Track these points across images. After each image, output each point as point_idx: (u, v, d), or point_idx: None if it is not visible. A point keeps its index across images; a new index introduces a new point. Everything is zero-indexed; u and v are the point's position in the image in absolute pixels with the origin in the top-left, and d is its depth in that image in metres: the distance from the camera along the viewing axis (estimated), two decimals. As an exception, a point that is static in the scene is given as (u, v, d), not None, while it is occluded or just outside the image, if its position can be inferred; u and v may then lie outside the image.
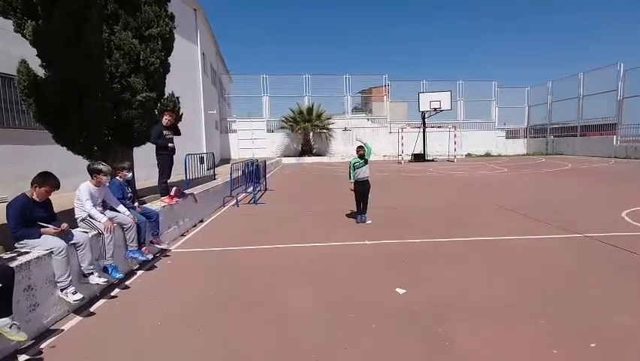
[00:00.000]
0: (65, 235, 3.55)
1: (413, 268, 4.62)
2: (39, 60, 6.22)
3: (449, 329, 3.07)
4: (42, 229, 3.45)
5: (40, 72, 6.36)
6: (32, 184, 3.50)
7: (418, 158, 26.58)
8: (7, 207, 3.43)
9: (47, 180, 3.52)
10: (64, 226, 3.60)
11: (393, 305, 3.56)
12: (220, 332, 3.13)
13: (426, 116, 27.66)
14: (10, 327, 2.67)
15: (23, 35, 6.00)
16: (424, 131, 27.43)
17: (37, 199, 3.52)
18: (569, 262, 4.72)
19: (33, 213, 3.48)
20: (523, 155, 31.33)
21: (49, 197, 3.66)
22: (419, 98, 27.95)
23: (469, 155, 31.47)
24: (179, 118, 9.12)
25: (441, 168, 20.62)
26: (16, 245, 3.42)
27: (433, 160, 26.76)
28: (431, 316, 3.32)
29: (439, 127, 30.11)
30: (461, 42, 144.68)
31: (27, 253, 3.29)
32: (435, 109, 26.88)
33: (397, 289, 3.89)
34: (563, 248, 5.29)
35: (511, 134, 34.73)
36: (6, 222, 3.44)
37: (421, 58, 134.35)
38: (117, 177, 5.05)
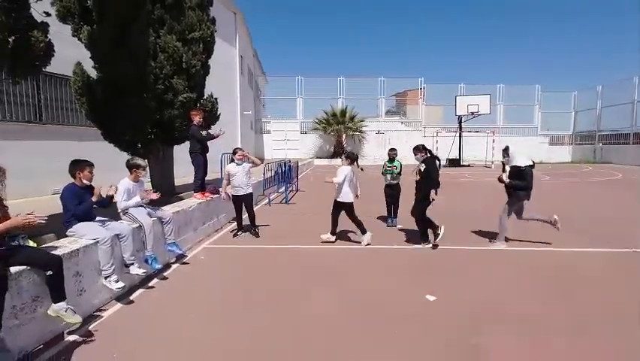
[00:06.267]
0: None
1: (445, 274, 4.51)
2: (92, 62, 6.67)
3: (481, 339, 2.98)
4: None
5: (93, 73, 6.82)
6: (74, 174, 3.83)
7: (453, 163, 25.86)
8: (62, 192, 3.78)
9: (82, 164, 3.87)
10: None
11: (423, 312, 3.50)
12: (247, 328, 3.22)
13: (463, 120, 26.85)
14: (66, 311, 2.90)
15: (79, 39, 6.47)
16: (460, 136, 26.65)
17: (88, 183, 3.87)
18: (615, 276, 4.43)
19: (83, 198, 3.80)
20: (568, 163, 29.68)
21: (92, 183, 3.99)
22: (456, 101, 27.18)
23: (507, 161, 30.22)
24: (216, 118, 9.45)
25: (477, 173, 19.94)
26: (67, 233, 3.70)
27: (468, 165, 25.95)
28: (462, 325, 3.23)
29: (476, 132, 29.17)
30: (503, 44, 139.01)
31: (76, 241, 3.55)
32: (472, 113, 26.03)
33: (427, 296, 3.82)
34: (609, 262, 4.97)
35: (555, 141, 33.06)
36: (59, 212, 3.73)
37: (459, 61, 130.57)
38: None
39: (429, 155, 5.73)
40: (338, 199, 5.75)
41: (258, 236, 6.28)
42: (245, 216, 6.49)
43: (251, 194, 6.41)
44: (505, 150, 5.74)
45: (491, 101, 27.20)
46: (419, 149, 5.82)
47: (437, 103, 33.15)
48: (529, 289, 4.04)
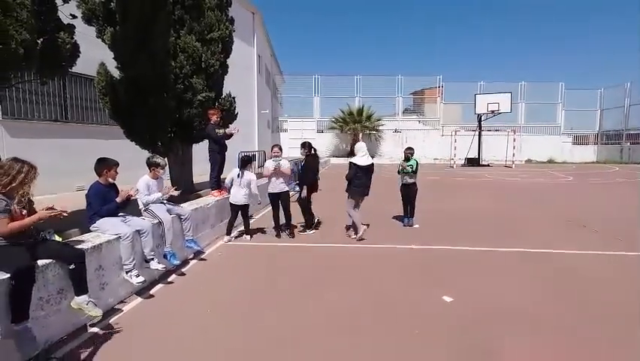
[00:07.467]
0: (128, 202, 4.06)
1: (461, 275, 4.43)
2: (115, 63, 6.85)
3: (495, 341, 2.92)
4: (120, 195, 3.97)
5: (116, 73, 7.00)
6: (101, 172, 3.92)
7: (472, 162, 25.38)
8: (88, 189, 3.90)
9: (110, 163, 3.97)
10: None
11: (439, 313, 3.45)
12: (262, 325, 3.25)
13: (482, 118, 26.28)
14: (87, 303, 2.99)
15: (103, 40, 6.66)
16: (479, 135, 26.12)
17: (112, 181, 3.99)
18: (631, 280, 4.27)
19: (107, 197, 3.91)
20: (593, 163, 28.69)
21: (116, 182, 4.09)
22: (475, 99, 26.64)
23: (529, 161, 29.48)
24: (234, 117, 9.55)
25: (497, 173, 19.52)
26: (90, 228, 3.82)
27: (488, 165, 25.41)
28: (477, 327, 3.17)
29: (496, 130, 28.52)
30: (524, 42, 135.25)
31: (99, 236, 3.65)
32: (492, 111, 25.45)
33: (444, 297, 3.77)
34: (627, 266, 4.79)
35: (579, 140, 32.01)
36: (82, 208, 3.86)
37: (479, 60, 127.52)
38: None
39: (312, 153, 6.36)
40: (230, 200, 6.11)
41: (280, 237, 6.28)
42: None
43: (288, 192, 6.47)
44: (352, 145, 6.00)
45: (512, 100, 26.53)
46: (304, 146, 6.35)
47: (456, 101, 32.60)
48: (561, 293, 3.93)
